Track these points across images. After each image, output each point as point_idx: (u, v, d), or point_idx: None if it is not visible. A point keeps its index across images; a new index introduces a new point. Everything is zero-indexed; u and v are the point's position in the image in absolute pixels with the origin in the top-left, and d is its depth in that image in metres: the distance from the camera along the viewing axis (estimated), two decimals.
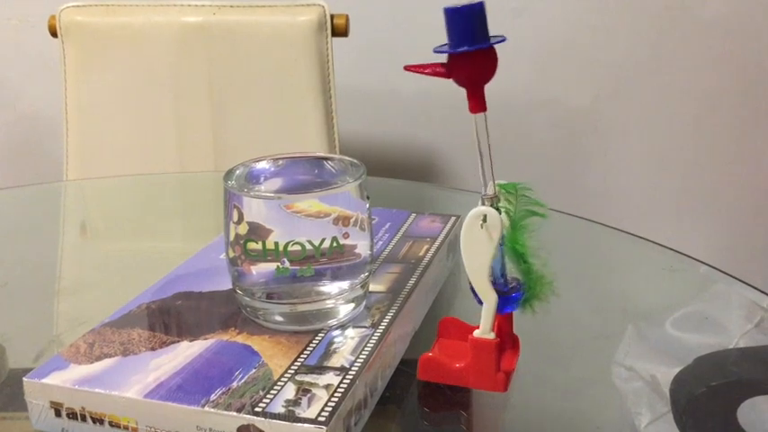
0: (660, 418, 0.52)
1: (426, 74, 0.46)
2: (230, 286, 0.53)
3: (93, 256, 0.83)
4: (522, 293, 0.49)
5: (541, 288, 0.48)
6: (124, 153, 1.18)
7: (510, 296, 0.49)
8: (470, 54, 0.44)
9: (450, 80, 0.46)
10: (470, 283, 0.48)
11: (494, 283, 0.48)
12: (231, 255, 0.51)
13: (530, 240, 0.48)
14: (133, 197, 0.98)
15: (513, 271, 0.49)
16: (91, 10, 1.16)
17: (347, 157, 0.54)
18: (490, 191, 0.47)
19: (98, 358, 0.48)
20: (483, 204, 0.47)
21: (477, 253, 0.47)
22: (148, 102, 1.17)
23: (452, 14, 0.44)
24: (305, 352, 0.48)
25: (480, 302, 0.48)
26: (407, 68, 0.46)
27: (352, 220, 0.49)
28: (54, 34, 1.16)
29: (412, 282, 0.57)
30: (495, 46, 0.45)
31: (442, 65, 0.46)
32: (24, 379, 0.47)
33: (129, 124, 1.18)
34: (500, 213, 0.47)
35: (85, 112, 1.17)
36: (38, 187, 1.15)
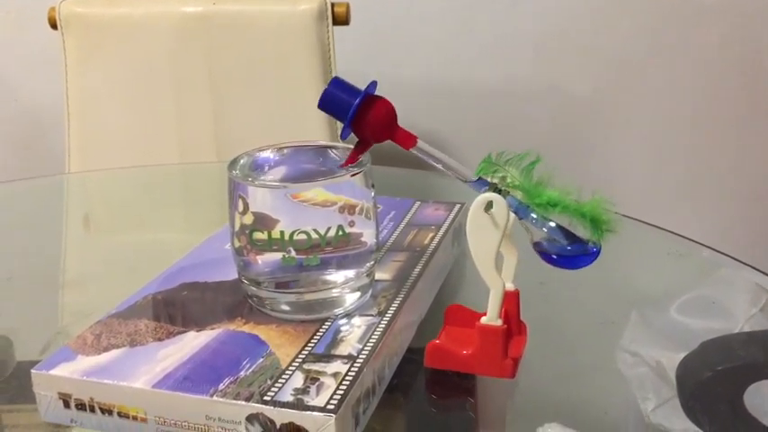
0: (666, 403, 0.52)
1: (355, 157, 0.48)
2: (236, 276, 0.53)
3: (96, 249, 0.83)
4: (596, 245, 0.47)
5: (594, 209, 0.46)
6: (126, 145, 1.18)
7: (591, 252, 0.47)
8: (358, 118, 0.46)
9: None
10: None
11: (567, 248, 0.47)
12: (237, 245, 0.51)
13: (551, 189, 0.47)
14: (136, 189, 0.98)
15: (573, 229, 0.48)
16: (91, 1, 1.15)
17: (352, 146, 0.53)
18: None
19: (105, 349, 0.48)
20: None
21: (484, 240, 0.47)
22: (149, 93, 1.16)
23: (323, 104, 0.46)
24: (312, 341, 0.48)
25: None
26: (344, 165, 0.49)
27: (357, 209, 0.49)
28: (54, 26, 1.15)
29: (418, 270, 0.57)
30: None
31: (358, 142, 0.48)
32: (32, 371, 0.47)
33: (131, 116, 1.18)
34: (508, 193, 0.47)
35: (87, 104, 1.17)
36: (40, 180, 1.14)
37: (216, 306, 0.53)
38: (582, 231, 0.47)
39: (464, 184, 0.48)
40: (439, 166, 0.48)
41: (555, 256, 0.48)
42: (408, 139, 0.47)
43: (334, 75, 1.15)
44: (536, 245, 0.48)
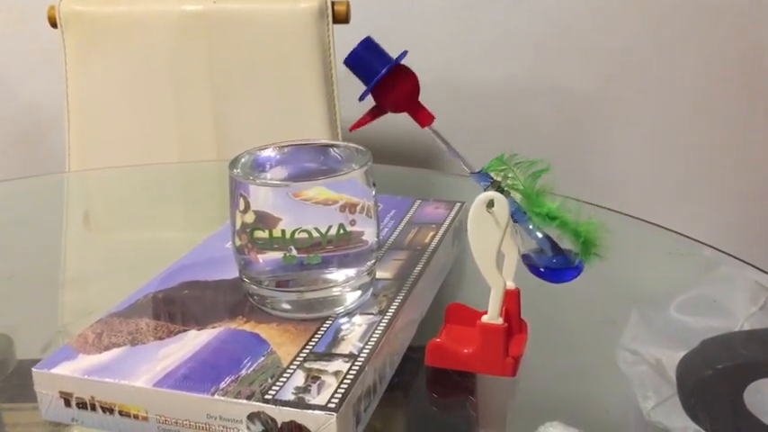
0: (666, 402, 0.52)
1: (369, 121, 0.48)
2: (237, 275, 0.53)
3: (96, 247, 0.83)
4: (581, 261, 0.47)
5: (590, 232, 0.46)
6: (126, 143, 1.18)
7: (574, 268, 0.48)
8: (382, 84, 0.46)
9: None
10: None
11: (552, 261, 0.48)
12: (238, 243, 0.51)
13: (552, 201, 0.47)
14: (136, 187, 0.98)
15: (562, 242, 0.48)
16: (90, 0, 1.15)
17: (352, 144, 0.53)
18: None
19: (106, 348, 0.48)
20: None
21: (485, 238, 0.47)
22: (150, 91, 1.16)
23: (350, 62, 0.46)
24: (313, 339, 0.48)
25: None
26: (352, 130, 0.48)
27: (358, 207, 0.49)
28: (54, 25, 1.15)
29: (418, 268, 0.57)
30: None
31: (374, 107, 0.47)
32: (33, 369, 0.47)
33: (131, 114, 1.18)
34: (509, 194, 0.47)
35: (87, 103, 1.17)
36: (40, 179, 1.14)
37: (217, 305, 0.53)
38: (569, 246, 0.47)
39: (464, 183, 0.48)
40: (447, 151, 0.48)
41: (542, 270, 0.48)
42: (427, 117, 0.47)
43: (334, 69, 1.15)
44: (524, 257, 0.49)
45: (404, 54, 0.46)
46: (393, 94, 0.46)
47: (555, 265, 0.48)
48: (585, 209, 0.47)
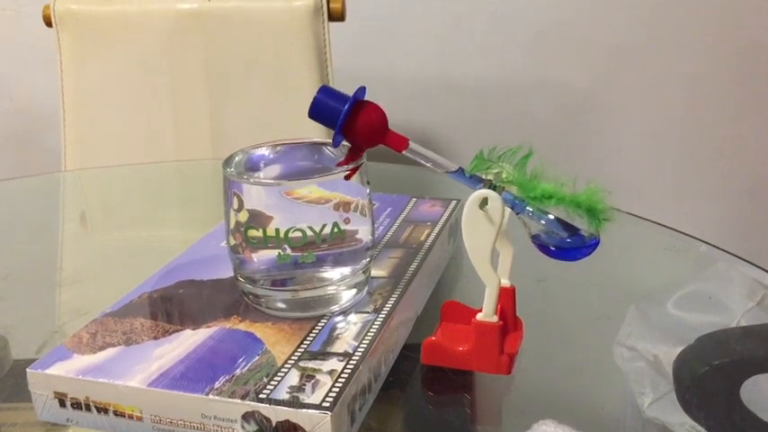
0: (663, 398, 0.52)
1: (350, 163, 0.48)
2: (232, 274, 0.53)
3: (93, 247, 0.83)
4: (595, 238, 0.47)
5: (590, 199, 0.46)
6: (122, 142, 1.18)
7: (590, 244, 0.47)
8: (348, 125, 0.46)
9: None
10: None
11: (567, 240, 0.47)
12: (232, 242, 0.50)
13: (545, 182, 0.46)
14: (132, 186, 0.98)
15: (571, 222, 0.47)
16: None
17: (346, 143, 0.53)
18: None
19: (101, 348, 0.48)
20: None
21: (479, 236, 0.47)
22: (145, 90, 1.16)
23: (314, 113, 0.46)
24: (308, 338, 0.48)
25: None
26: (347, 179, 0.48)
27: (352, 206, 0.49)
28: (49, 24, 1.15)
29: (414, 266, 0.57)
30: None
31: (351, 148, 0.48)
32: (28, 370, 0.47)
33: (127, 113, 1.18)
34: (503, 189, 0.47)
35: (82, 102, 1.17)
36: (36, 178, 1.14)
37: (212, 304, 0.53)
38: (579, 222, 0.47)
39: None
40: (429, 165, 0.48)
41: (553, 249, 0.47)
42: (400, 143, 0.47)
43: (329, 67, 1.15)
44: (534, 237, 0.48)
45: (361, 90, 0.46)
46: (361, 132, 0.46)
47: (569, 245, 0.47)
48: (580, 179, 0.46)
